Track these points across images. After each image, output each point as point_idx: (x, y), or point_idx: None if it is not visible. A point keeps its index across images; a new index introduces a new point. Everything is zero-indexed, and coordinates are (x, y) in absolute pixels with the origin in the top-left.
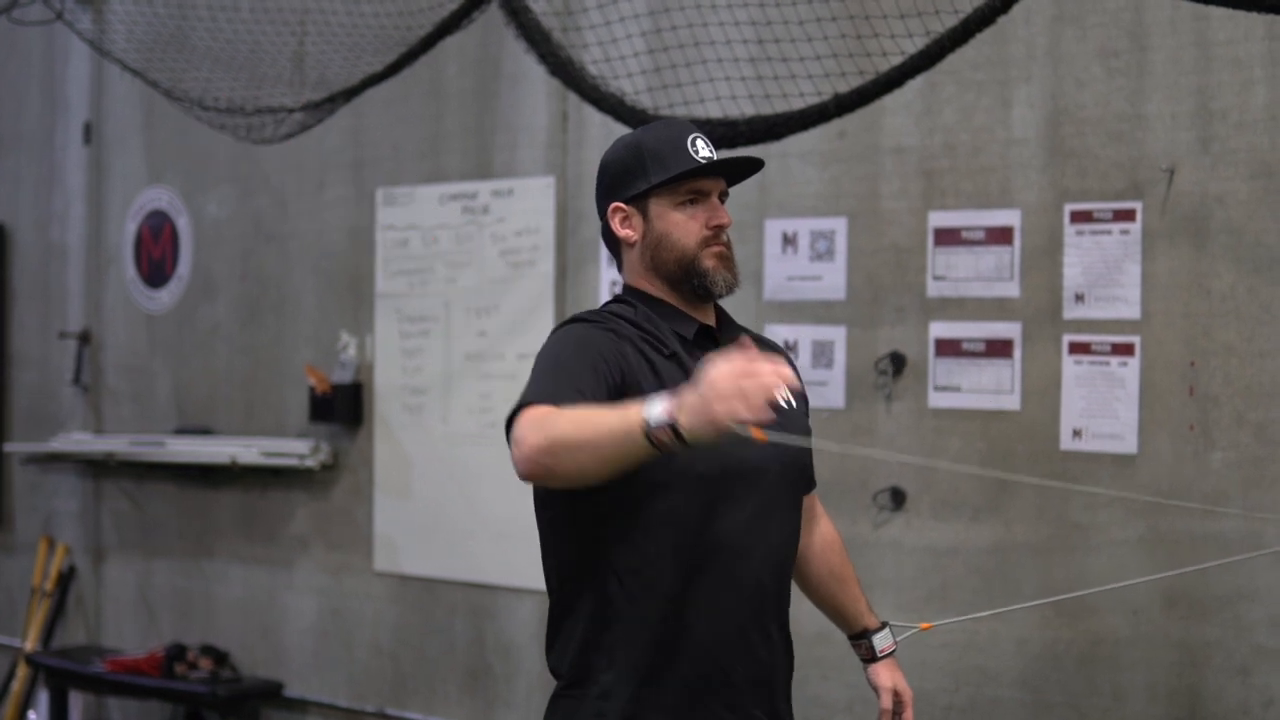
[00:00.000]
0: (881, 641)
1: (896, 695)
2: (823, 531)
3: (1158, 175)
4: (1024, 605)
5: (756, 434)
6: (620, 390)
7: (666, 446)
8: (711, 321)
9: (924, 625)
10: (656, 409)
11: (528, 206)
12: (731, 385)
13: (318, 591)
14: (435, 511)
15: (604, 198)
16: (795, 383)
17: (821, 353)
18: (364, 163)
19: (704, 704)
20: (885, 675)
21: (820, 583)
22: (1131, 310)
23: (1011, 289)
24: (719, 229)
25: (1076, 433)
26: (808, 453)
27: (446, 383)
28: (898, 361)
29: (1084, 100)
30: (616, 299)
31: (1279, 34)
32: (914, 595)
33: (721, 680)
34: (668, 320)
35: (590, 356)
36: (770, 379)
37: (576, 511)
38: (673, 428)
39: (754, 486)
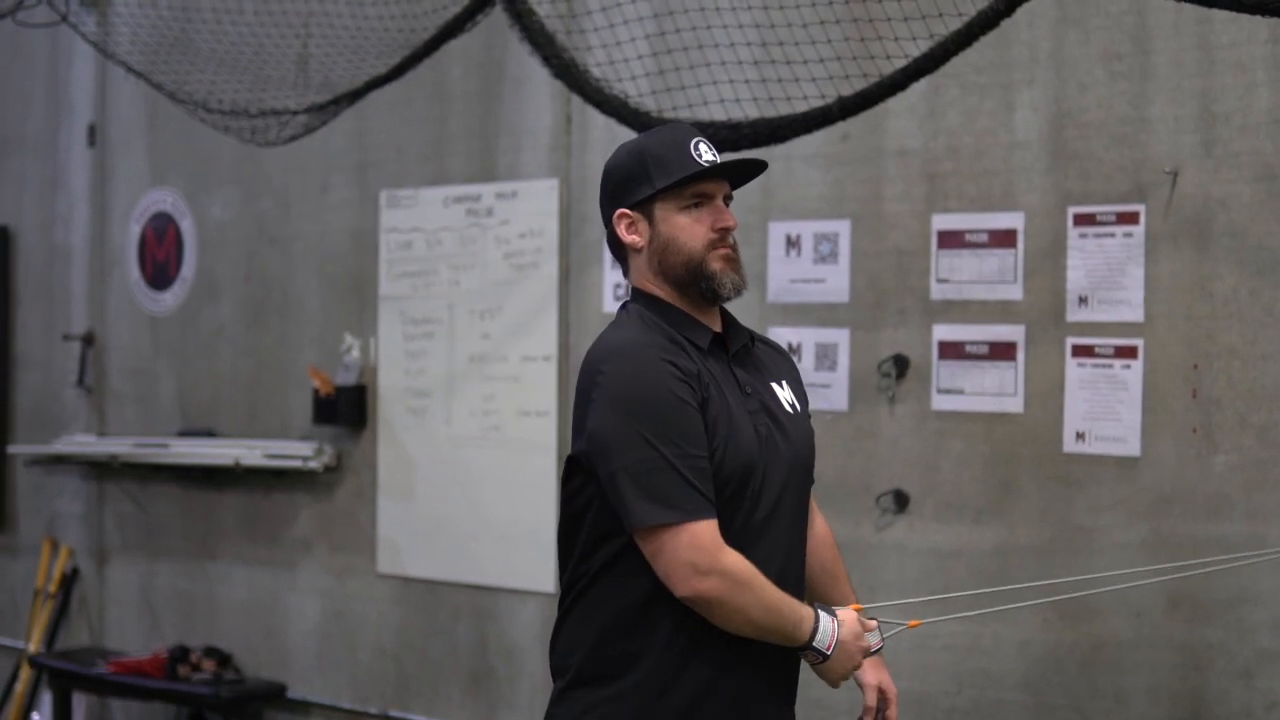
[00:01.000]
0: (869, 639)
1: (881, 693)
2: (817, 528)
3: (1161, 178)
4: (1020, 604)
5: (912, 624)
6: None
7: (805, 658)
8: (718, 325)
9: (912, 623)
10: (824, 638)
11: (531, 209)
12: (855, 661)
13: (321, 593)
14: (438, 513)
15: (608, 204)
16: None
17: (825, 355)
18: (368, 165)
19: (713, 704)
20: (871, 672)
21: (813, 578)
22: (1134, 313)
23: (1014, 292)
24: (725, 231)
25: (1079, 435)
26: (812, 452)
27: (450, 385)
28: (901, 364)
29: (1087, 103)
30: (625, 306)
31: None
32: (916, 598)
33: (733, 681)
34: (681, 330)
35: (682, 412)
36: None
37: (600, 516)
38: (823, 656)
39: (769, 488)
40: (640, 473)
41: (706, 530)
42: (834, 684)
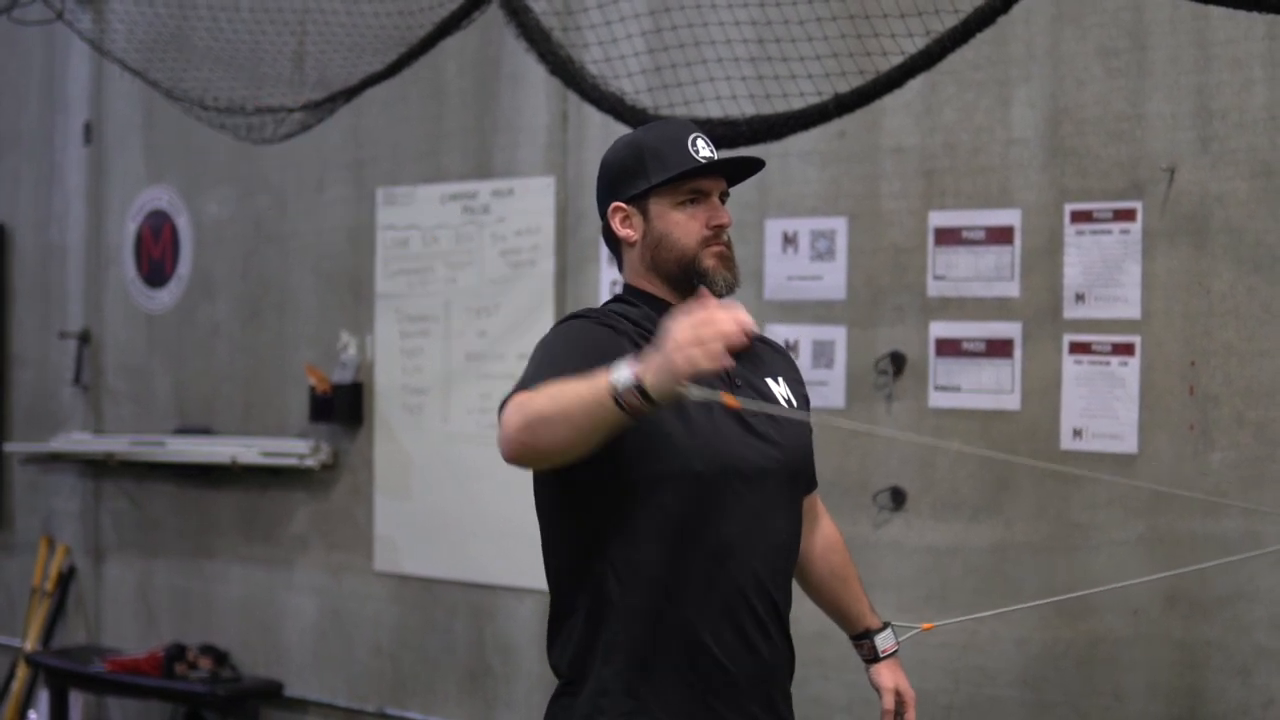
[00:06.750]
0: (884, 642)
1: (899, 696)
2: (825, 532)
3: (1158, 175)
4: (1026, 605)
5: (728, 400)
6: None
7: (637, 409)
8: None
9: (926, 625)
10: (623, 372)
11: (528, 206)
12: (689, 334)
13: (318, 591)
14: (435, 511)
15: (604, 197)
16: (753, 328)
17: (822, 353)
18: (364, 162)
19: (704, 702)
20: (888, 676)
21: (822, 583)
22: (1131, 310)
23: (1011, 289)
24: (719, 229)
25: (1077, 432)
26: (809, 452)
27: (446, 383)
28: (898, 361)
29: (1084, 100)
30: (617, 298)
31: (1279, 33)
32: (914, 595)
33: (722, 679)
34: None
35: (583, 346)
36: (727, 325)
37: (575, 509)
38: (639, 389)
39: (753, 485)
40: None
41: (526, 392)
42: (695, 372)
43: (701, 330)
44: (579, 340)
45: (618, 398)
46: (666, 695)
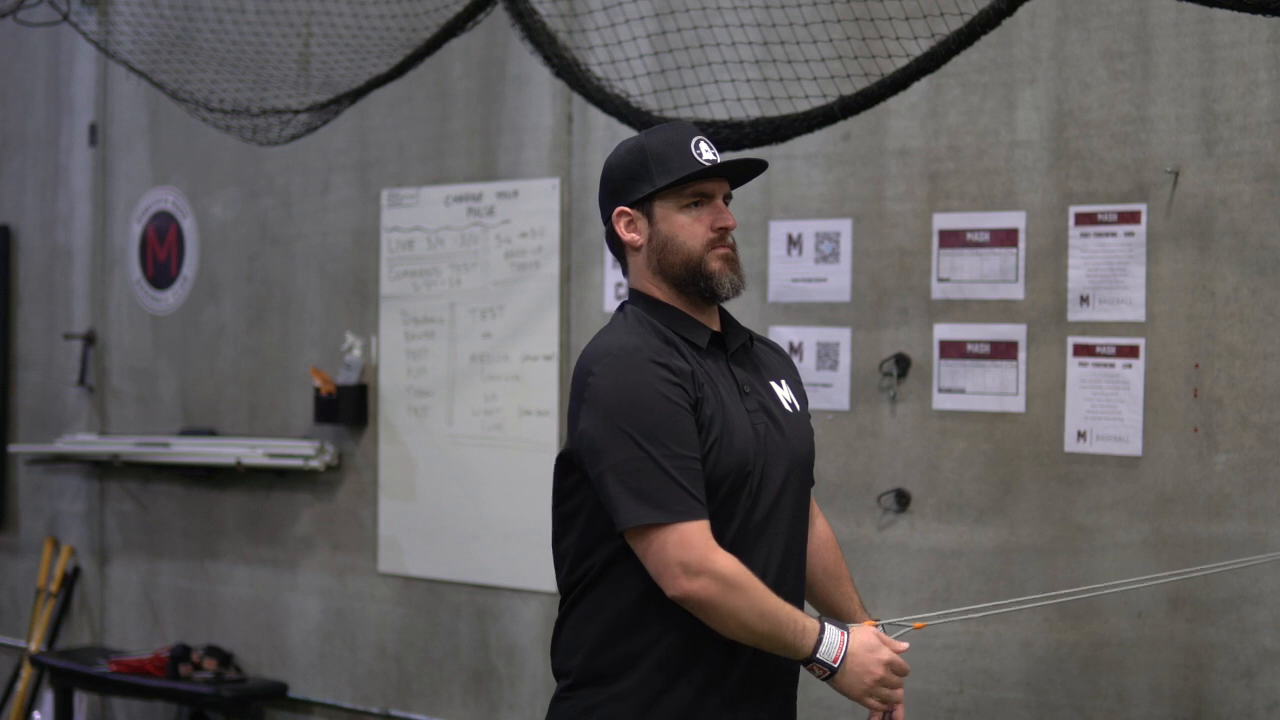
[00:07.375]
0: (883, 653)
1: None
2: (819, 529)
3: (1162, 178)
4: (1016, 603)
5: (917, 625)
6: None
7: (814, 672)
8: (716, 325)
9: (917, 624)
10: (829, 650)
11: (533, 208)
12: (889, 679)
13: (322, 593)
14: (440, 513)
15: (608, 202)
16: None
17: (826, 355)
18: (369, 164)
19: (714, 703)
20: None
21: (815, 580)
22: (1136, 312)
23: (1016, 291)
24: (724, 231)
25: (1081, 435)
26: (811, 451)
27: (451, 384)
28: (902, 363)
29: (1088, 103)
30: (623, 307)
31: None
32: (918, 597)
33: (734, 679)
34: (679, 329)
35: (671, 414)
36: (898, 691)
37: (595, 515)
38: (830, 669)
39: (766, 488)
40: (627, 472)
41: (697, 530)
42: (859, 701)
43: (882, 690)
44: (674, 413)
45: (810, 660)
46: (680, 697)
